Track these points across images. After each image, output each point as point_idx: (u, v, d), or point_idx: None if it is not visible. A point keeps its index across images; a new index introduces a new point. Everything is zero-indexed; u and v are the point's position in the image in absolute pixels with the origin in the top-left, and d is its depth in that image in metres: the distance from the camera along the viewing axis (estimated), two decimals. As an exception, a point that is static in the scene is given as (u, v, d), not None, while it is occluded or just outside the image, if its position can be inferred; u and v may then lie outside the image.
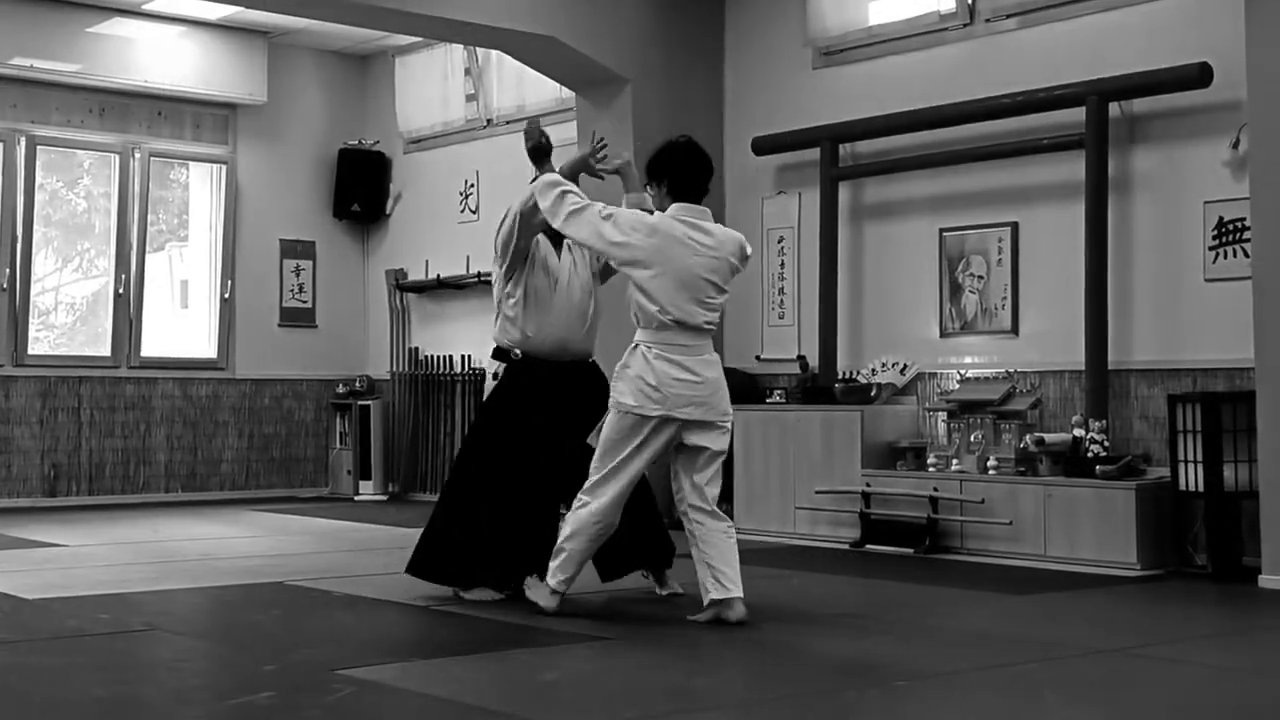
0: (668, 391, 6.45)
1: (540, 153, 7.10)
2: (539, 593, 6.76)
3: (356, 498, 14.04)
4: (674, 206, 6.62)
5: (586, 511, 6.60)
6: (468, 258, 13.52)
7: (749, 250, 6.84)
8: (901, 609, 7.27)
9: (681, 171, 6.67)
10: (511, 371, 7.29)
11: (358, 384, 14.39)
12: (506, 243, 7.17)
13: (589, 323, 7.35)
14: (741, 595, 6.52)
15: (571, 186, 6.75)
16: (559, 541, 6.70)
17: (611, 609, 7.04)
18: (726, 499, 10.30)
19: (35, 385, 12.99)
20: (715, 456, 6.60)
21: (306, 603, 7.31)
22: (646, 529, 7.29)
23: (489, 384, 7.64)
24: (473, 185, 13.69)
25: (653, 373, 6.47)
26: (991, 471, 9.21)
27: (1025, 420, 9.34)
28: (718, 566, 6.50)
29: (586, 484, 6.64)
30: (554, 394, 7.08)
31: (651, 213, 6.70)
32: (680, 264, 6.49)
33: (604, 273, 7.43)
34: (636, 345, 6.58)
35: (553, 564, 6.70)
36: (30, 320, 13.07)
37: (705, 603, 6.57)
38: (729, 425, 6.64)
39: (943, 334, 10.12)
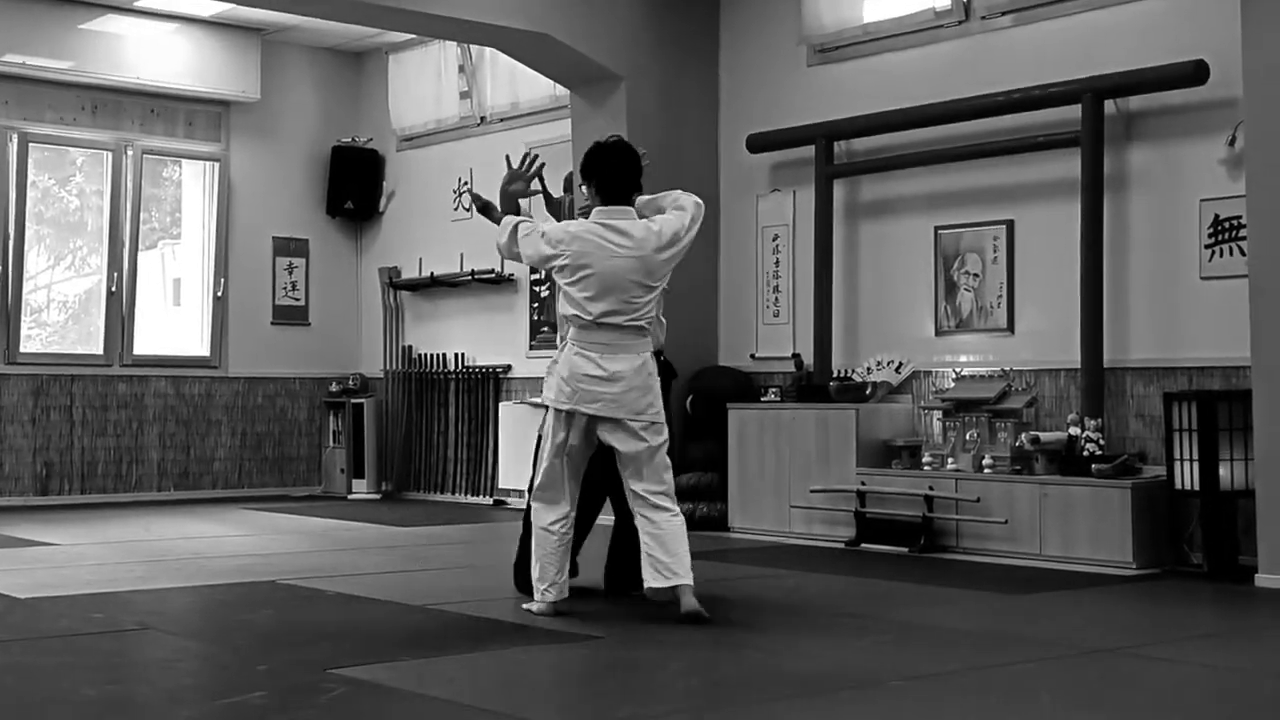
0: (576, 386, 6.57)
1: (487, 209, 7.14)
2: (531, 604, 6.81)
3: (350, 496, 14.00)
4: (595, 210, 6.69)
5: (542, 520, 6.75)
6: (461, 255, 13.49)
7: (680, 231, 6.68)
8: (897, 608, 7.23)
9: (607, 173, 6.71)
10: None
11: (351, 382, 14.36)
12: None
13: None
14: (686, 582, 6.51)
15: (517, 219, 6.87)
16: (532, 552, 6.80)
17: (604, 608, 7.01)
18: (720, 498, 10.37)
19: (27, 383, 12.94)
20: (631, 459, 6.61)
21: (299, 602, 7.29)
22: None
23: None
24: (466, 183, 13.64)
25: (568, 368, 6.61)
26: (987, 470, 9.19)
27: (1021, 419, 9.33)
28: (656, 556, 6.52)
29: (535, 485, 6.83)
30: None
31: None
32: (600, 267, 6.56)
33: None
34: (565, 343, 6.72)
35: (534, 577, 6.77)
36: (22, 318, 13.01)
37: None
38: (640, 425, 6.58)
39: (938, 332, 10.09)
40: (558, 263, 6.63)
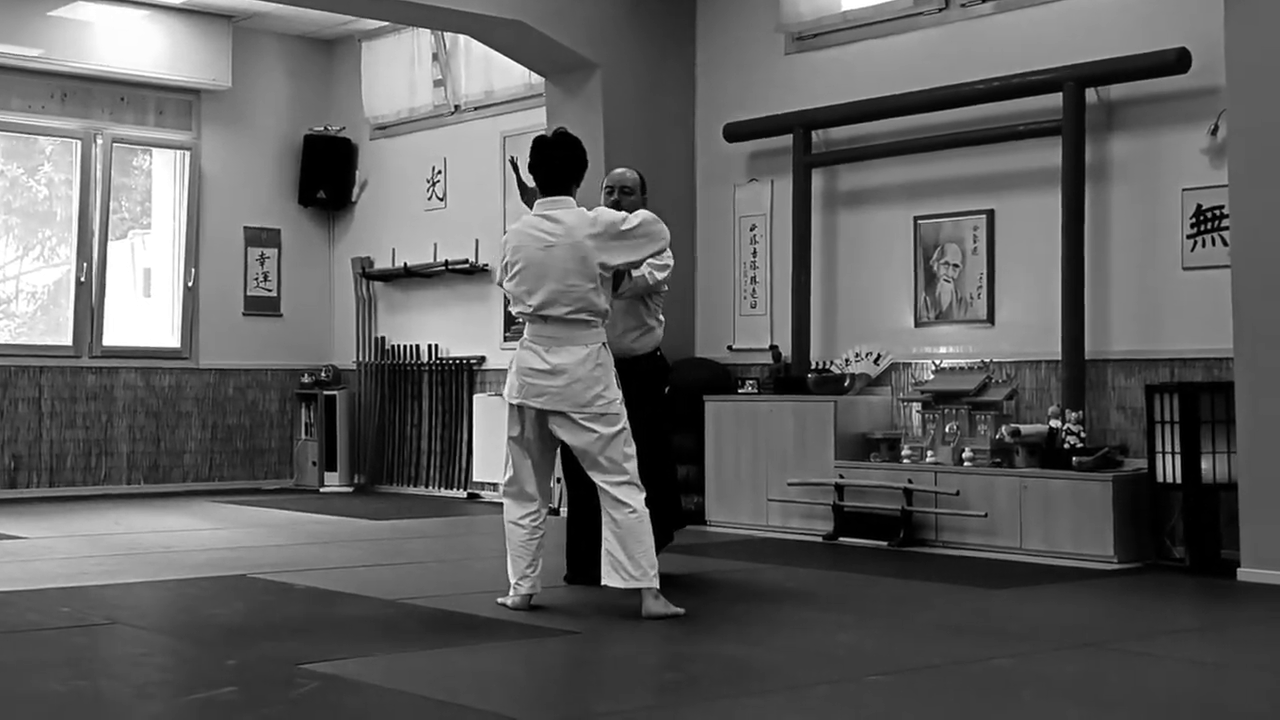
0: (522, 380, 6.61)
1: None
2: (504, 597, 6.80)
3: (321, 489, 13.91)
4: (537, 202, 6.73)
5: (511, 515, 6.78)
6: (435, 245, 13.40)
7: (618, 221, 6.59)
8: (875, 602, 7.19)
9: (543, 164, 6.74)
10: None
11: (323, 374, 14.27)
12: None
13: (626, 326, 7.34)
14: (644, 586, 6.47)
15: None
16: (506, 545, 6.83)
17: (580, 602, 6.96)
18: (697, 491, 10.30)
19: (-6, 375, 12.86)
20: (583, 452, 6.57)
21: (270, 596, 7.25)
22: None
23: None
24: (440, 172, 13.57)
25: (516, 361, 6.66)
26: (967, 463, 9.14)
27: (1001, 411, 9.28)
28: (615, 556, 6.49)
29: (504, 480, 6.87)
30: None
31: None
32: (532, 257, 6.58)
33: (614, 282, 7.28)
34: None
35: (507, 570, 6.79)
36: (-10, 309, 12.93)
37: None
38: (585, 418, 6.50)
39: (917, 324, 10.03)
40: (506, 260, 6.71)
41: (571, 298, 6.52)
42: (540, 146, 6.76)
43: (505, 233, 6.89)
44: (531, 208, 6.87)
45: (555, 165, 6.70)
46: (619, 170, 7.61)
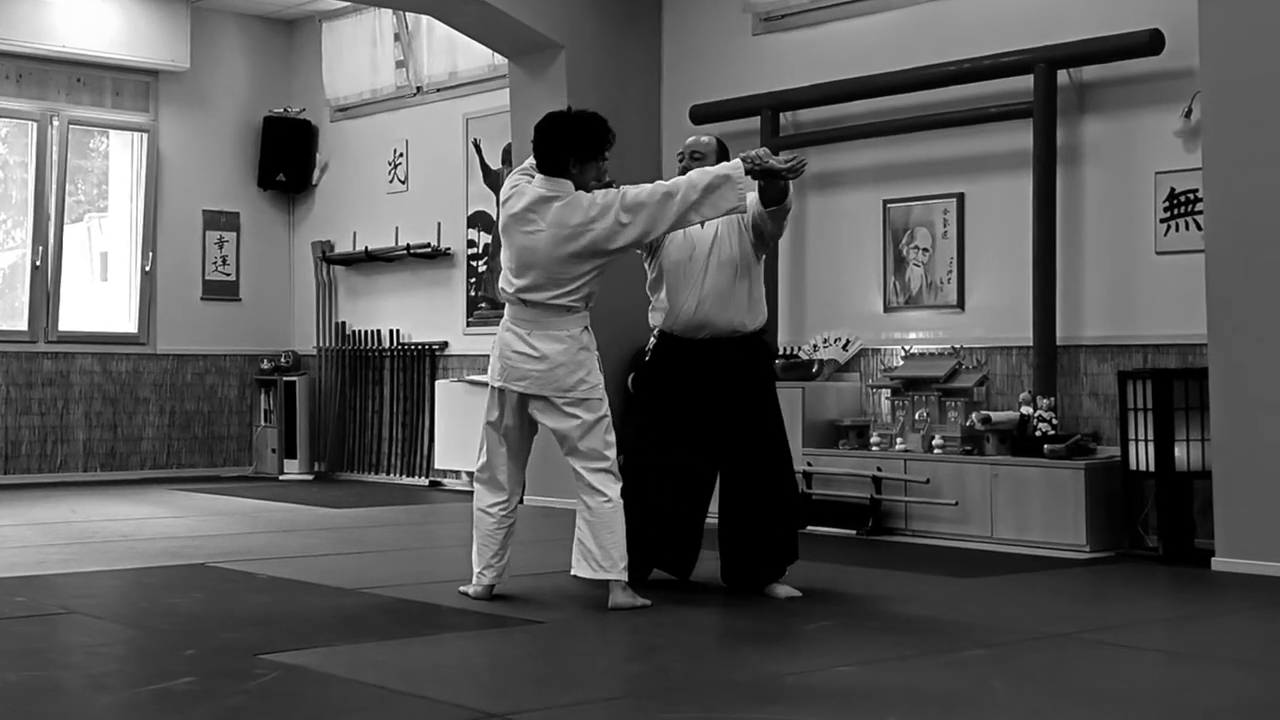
0: (505, 364, 6.51)
1: None
2: (468, 586, 6.72)
3: (281, 477, 13.83)
4: (537, 179, 6.58)
5: (481, 503, 6.68)
6: (397, 229, 13.31)
7: (611, 203, 6.40)
8: (843, 592, 7.12)
9: (536, 142, 6.59)
10: (653, 351, 7.12)
11: (283, 360, 14.17)
12: None
13: (734, 298, 6.86)
14: (613, 578, 6.40)
15: None
16: (472, 533, 6.73)
17: (544, 592, 6.89)
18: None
19: (-52, 360, 12.72)
20: (564, 437, 6.48)
21: (229, 585, 7.18)
22: (762, 537, 6.96)
23: None
24: (402, 155, 13.48)
25: (499, 344, 6.55)
26: (937, 451, 9.09)
27: (971, 398, 9.24)
28: (587, 545, 6.42)
29: (477, 466, 6.75)
30: (689, 375, 6.84)
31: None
32: (521, 241, 6.47)
33: (756, 247, 7.01)
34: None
35: (472, 558, 6.71)
36: (-57, 292, 12.79)
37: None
38: (567, 402, 6.41)
39: (887, 309, 9.97)
40: (503, 222, 6.60)
41: (556, 285, 6.42)
42: (539, 124, 6.60)
43: (509, 176, 6.74)
44: (495, 190, 6.75)
45: (547, 145, 6.51)
46: (692, 137, 7.22)
